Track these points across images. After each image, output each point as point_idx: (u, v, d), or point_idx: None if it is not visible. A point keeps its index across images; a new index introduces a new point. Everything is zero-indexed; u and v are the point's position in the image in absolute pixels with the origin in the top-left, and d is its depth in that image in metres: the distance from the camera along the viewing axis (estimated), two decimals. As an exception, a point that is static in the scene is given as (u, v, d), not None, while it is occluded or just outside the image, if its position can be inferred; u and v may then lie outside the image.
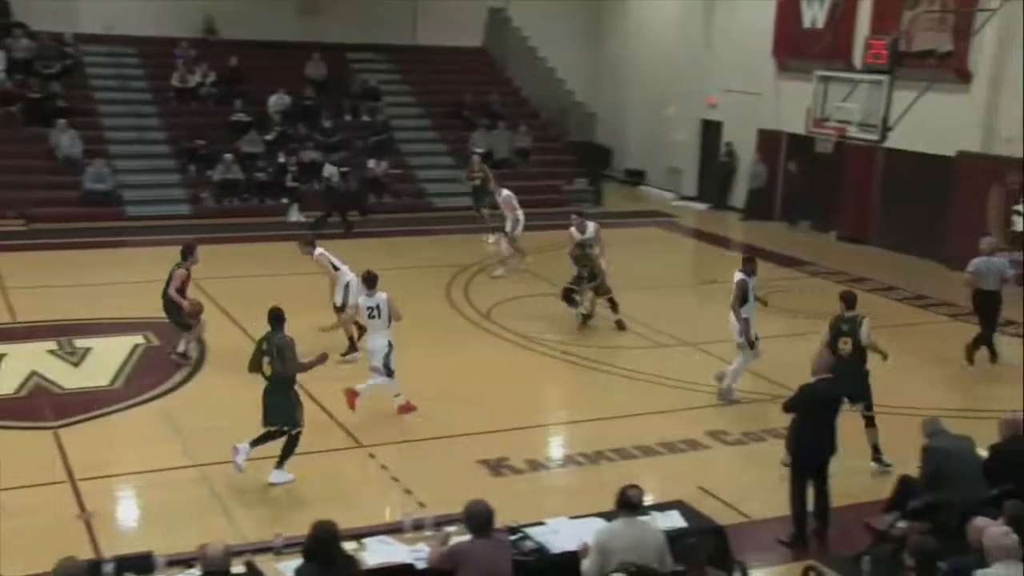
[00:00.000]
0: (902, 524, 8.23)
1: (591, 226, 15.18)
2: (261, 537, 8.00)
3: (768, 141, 24.19)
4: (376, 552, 7.27)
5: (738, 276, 12.37)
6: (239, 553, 7.03)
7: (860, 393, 10.67)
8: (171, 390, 12.40)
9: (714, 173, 26.02)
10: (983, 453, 8.74)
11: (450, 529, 7.28)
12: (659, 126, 27.23)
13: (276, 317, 10.04)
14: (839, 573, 8.17)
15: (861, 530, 8.61)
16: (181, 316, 13.19)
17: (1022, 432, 8.74)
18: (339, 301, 13.36)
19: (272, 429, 9.80)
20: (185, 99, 24.44)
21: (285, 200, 22.59)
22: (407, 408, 11.70)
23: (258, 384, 12.56)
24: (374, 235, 20.71)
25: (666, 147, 27.21)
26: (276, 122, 24.25)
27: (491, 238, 19.84)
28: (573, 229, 15.23)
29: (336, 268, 13.43)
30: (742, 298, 12.24)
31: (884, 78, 16.48)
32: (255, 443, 9.80)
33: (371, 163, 23.32)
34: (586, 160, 26.81)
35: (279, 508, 9.22)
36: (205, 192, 22.47)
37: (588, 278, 14.89)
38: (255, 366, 9.99)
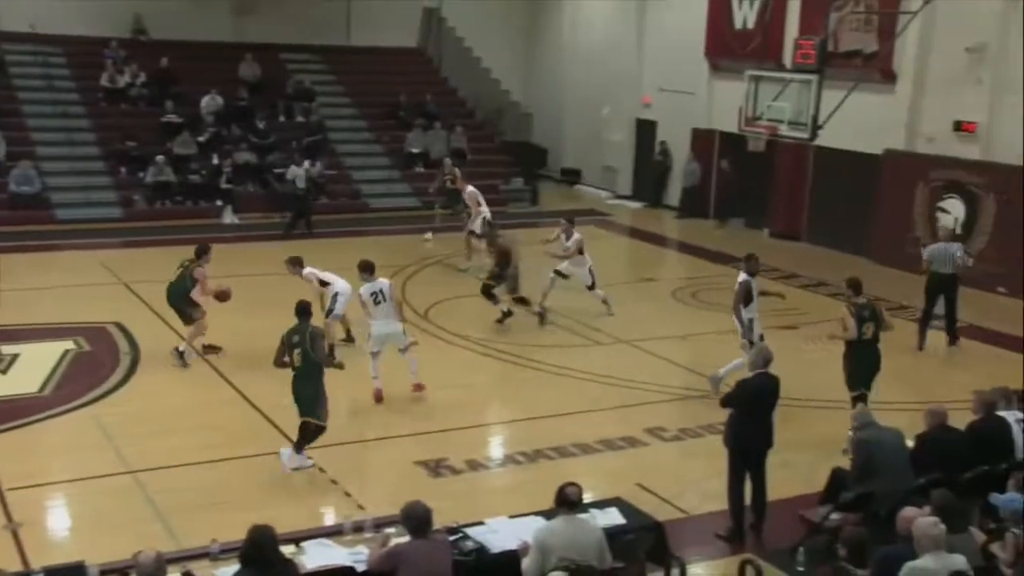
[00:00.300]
0: (835, 516, 8.38)
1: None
2: (197, 543, 7.88)
3: (702, 140, 24.47)
4: (315, 555, 7.21)
5: (741, 277, 12.50)
6: (174, 560, 6.92)
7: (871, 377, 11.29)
8: (103, 396, 12.18)
9: (649, 172, 26.26)
10: (911, 444, 8.94)
11: (389, 531, 7.26)
12: (594, 125, 27.40)
13: (303, 310, 10.33)
14: (775, 566, 8.28)
15: (796, 523, 8.75)
16: (190, 311, 13.34)
17: (946, 422, 8.97)
18: (329, 311, 13.24)
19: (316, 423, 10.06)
20: (115, 100, 24.03)
21: (219, 202, 22.33)
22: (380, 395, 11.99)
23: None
24: (310, 236, 20.55)
25: (601, 146, 27.39)
26: (209, 123, 23.95)
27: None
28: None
29: (325, 284, 13.37)
30: (745, 299, 12.33)
31: (813, 78, 16.71)
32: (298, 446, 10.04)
33: (306, 164, 23.14)
34: (522, 160, 26.89)
35: (216, 513, 9.09)
36: (137, 194, 22.11)
37: (500, 276, 15.07)
38: (280, 360, 10.20)
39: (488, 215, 18.51)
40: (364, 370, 13.23)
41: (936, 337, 15.46)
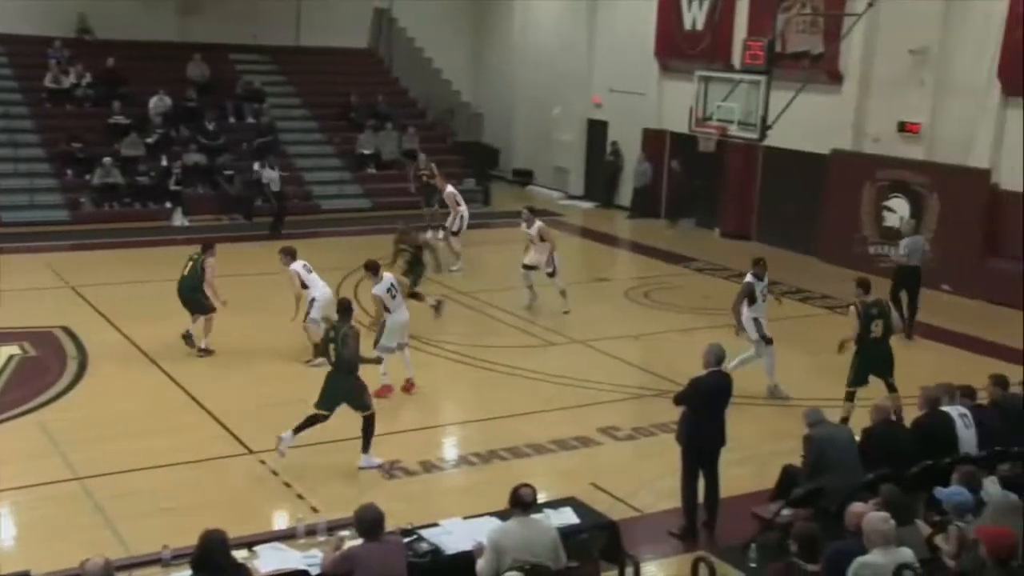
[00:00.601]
0: (787, 512, 8.48)
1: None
2: (147, 549, 7.79)
3: (652, 140, 24.63)
4: (269, 559, 7.15)
5: (747, 278, 12.82)
6: (124, 567, 6.84)
7: (889, 370, 11.65)
8: (49, 401, 11.98)
9: (600, 172, 26.38)
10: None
11: (343, 534, 7.22)
12: (545, 126, 27.47)
13: (346, 308, 10.62)
14: (728, 563, 8.35)
15: (748, 519, 8.83)
16: (203, 303, 13.56)
17: (892, 417, 9.12)
18: (306, 314, 13.40)
19: (323, 414, 10.23)
20: (59, 101, 23.64)
21: (169, 204, 22.07)
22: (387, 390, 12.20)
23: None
24: (261, 239, 20.39)
25: (552, 147, 27.47)
26: (157, 124, 23.66)
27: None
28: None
29: (305, 286, 13.48)
30: (747, 299, 12.61)
31: (762, 78, 16.90)
32: (299, 429, 10.19)
33: (257, 165, 22.97)
34: (474, 160, 26.88)
35: (167, 519, 8.98)
36: (84, 197, 21.79)
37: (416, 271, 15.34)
38: (323, 351, 10.68)
39: (466, 215, 18.78)
40: (313, 373, 13.17)
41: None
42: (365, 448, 10.31)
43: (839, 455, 8.68)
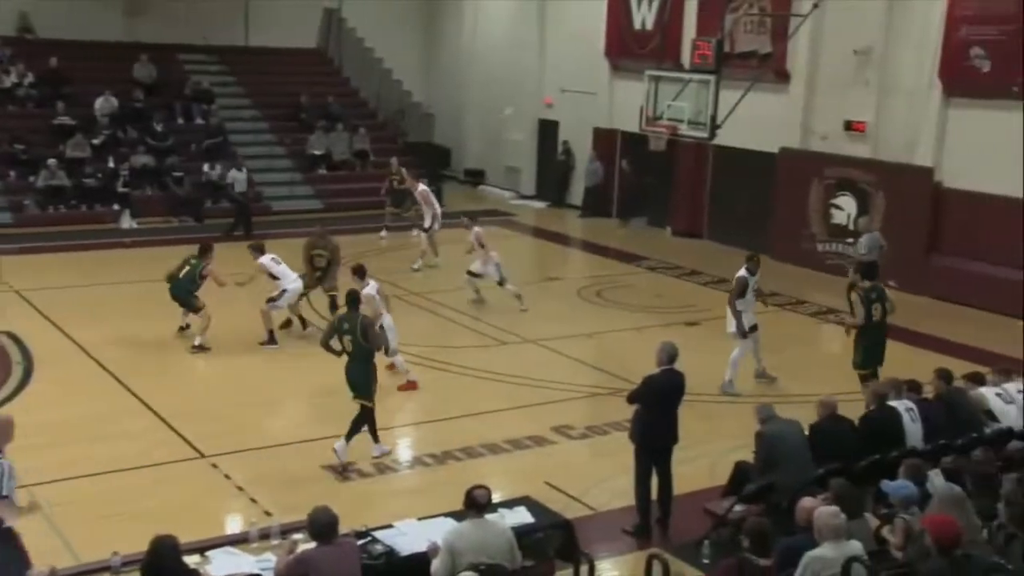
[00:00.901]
0: (739, 508, 8.57)
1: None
2: (97, 557, 7.69)
3: (604, 140, 24.75)
4: (221, 564, 7.09)
5: (740, 273, 13.13)
6: None
7: (882, 354, 12.27)
8: (-8, 408, 11.77)
9: (552, 172, 26.46)
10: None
11: (297, 537, 7.17)
12: (497, 126, 27.50)
13: (354, 299, 10.87)
14: (681, 560, 8.42)
15: (701, 516, 8.92)
16: (194, 302, 13.95)
17: (836, 412, 9.25)
18: (271, 299, 14.18)
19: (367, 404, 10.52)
20: (1, 101, 23.22)
21: (116, 206, 21.77)
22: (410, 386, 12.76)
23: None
24: (215, 240, 20.17)
25: (504, 146, 27.50)
26: (104, 125, 23.32)
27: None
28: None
29: (275, 278, 14.15)
30: (740, 293, 12.98)
31: (711, 78, 17.05)
32: (351, 433, 10.42)
33: (206, 167, 22.74)
34: (425, 160, 26.80)
35: (116, 525, 8.87)
36: (28, 199, 21.41)
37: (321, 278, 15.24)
38: (327, 343, 10.85)
39: (439, 212, 19.12)
40: (264, 375, 13.13)
41: (834, 330, 15.94)
42: (347, 434, 10.47)
43: (790, 451, 8.80)
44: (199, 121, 24.63)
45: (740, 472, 9.19)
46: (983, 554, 6.45)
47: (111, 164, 22.35)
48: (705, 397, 12.43)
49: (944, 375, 10.27)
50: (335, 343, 10.81)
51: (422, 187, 19.53)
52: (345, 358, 10.71)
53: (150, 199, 22.38)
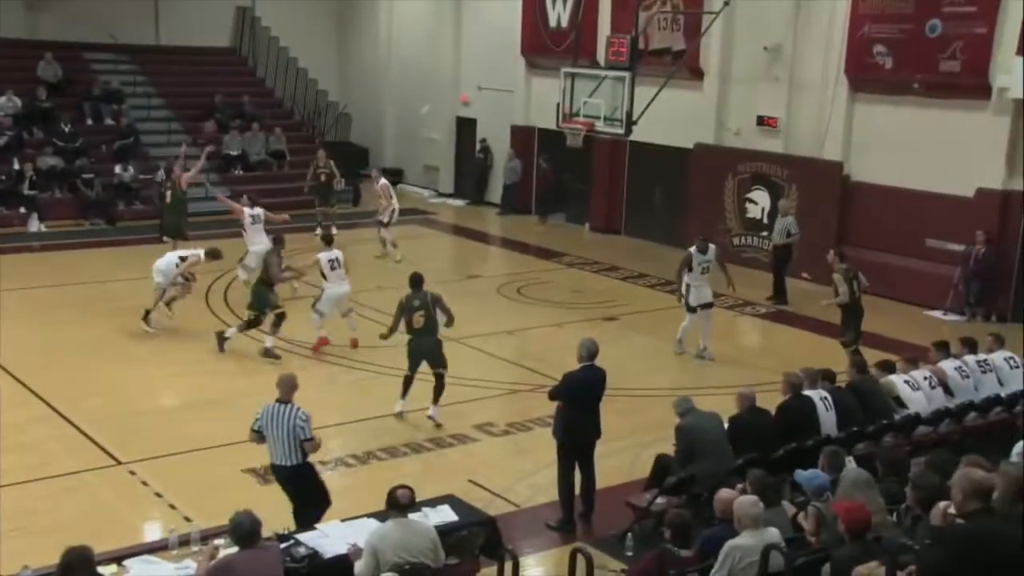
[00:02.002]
0: (661, 500, 8.69)
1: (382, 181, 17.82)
2: (8, 572, 7.49)
3: (521, 137, 24.84)
4: (140, 573, 6.97)
5: (690, 248, 14.38)
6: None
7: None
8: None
9: (470, 170, 26.47)
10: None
11: (218, 542, 7.08)
12: (414, 124, 27.43)
13: (418, 280, 11.95)
14: (605, 553, 8.51)
15: (623, 509, 9.02)
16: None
17: (755, 404, 9.44)
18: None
19: (441, 372, 11.66)
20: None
21: (23, 209, 21.19)
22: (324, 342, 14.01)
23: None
24: (125, 243, 19.80)
25: (422, 145, 27.45)
26: (7, 126, 22.65)
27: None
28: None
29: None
30: (685, 266, 14.24)
31: (626, 75, 17.23)
32: (436, 398, 11.59)
33: (118, 168, 22.24)
34: (342, 160, 26.56)
35: (28, 539, 8.63)
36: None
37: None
38: (395, 327, 11.86)
39: (397, 207, 19.51)
40: (184, 378, 12.93)
41: (750, 323, 16.25)
42: (436, 400, 11.63)
43: (709, 442, 8.95)
44: (109, 122, 24.08)
45: (661, 465, 9.30)
46: (891, 536, 6.64)
47: (15, 166, 21.75)
48: (625, 392, 12.57)
49: (858, 364, 10.56)
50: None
51: (384, 181, 20.01)
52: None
53: (59, 202, 21.83)
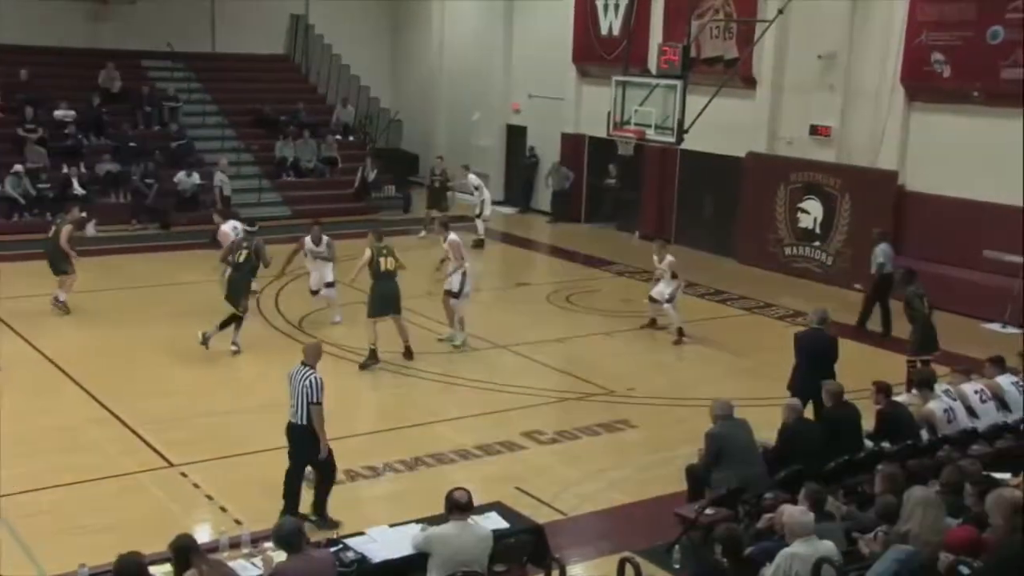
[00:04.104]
0: (709, 511, 8.61)
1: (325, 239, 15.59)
2: (63, 570, 7.61)
3: (571, 145, 24.82)
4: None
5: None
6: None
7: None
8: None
9: (520, 177, 26.51)
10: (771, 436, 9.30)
11: (267, 545, 7.14)
12: (464, 131, 27.50)
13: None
14: (653, 563, 8.45)
15: (674, 519, 8.93)
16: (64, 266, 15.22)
17: (803, 415, 9.35)
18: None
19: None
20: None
21: (83, 214, 21.48)
22: None
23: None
24: (182, 247, 20.06)
25: (472, 152, 27.48)
26: (70, 133, 23.05)
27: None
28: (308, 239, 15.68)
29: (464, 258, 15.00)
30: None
31: (677, 83, 17.16)
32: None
33: (180, 175, 22.55)
34: (393, 167, 26.77)
35: (84, 537, 8.77)
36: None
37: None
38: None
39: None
40: (233, 384, 13.06)
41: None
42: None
43: (738, 450, 8.90)
44: (164, 128, 24.45)
45: (693, 476, 9.23)
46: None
47: (81, 170, 22.16)
48: (679, 401, 12.53)
49: (883, 388, 10.20)
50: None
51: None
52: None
53: (111, 206, 22.16)
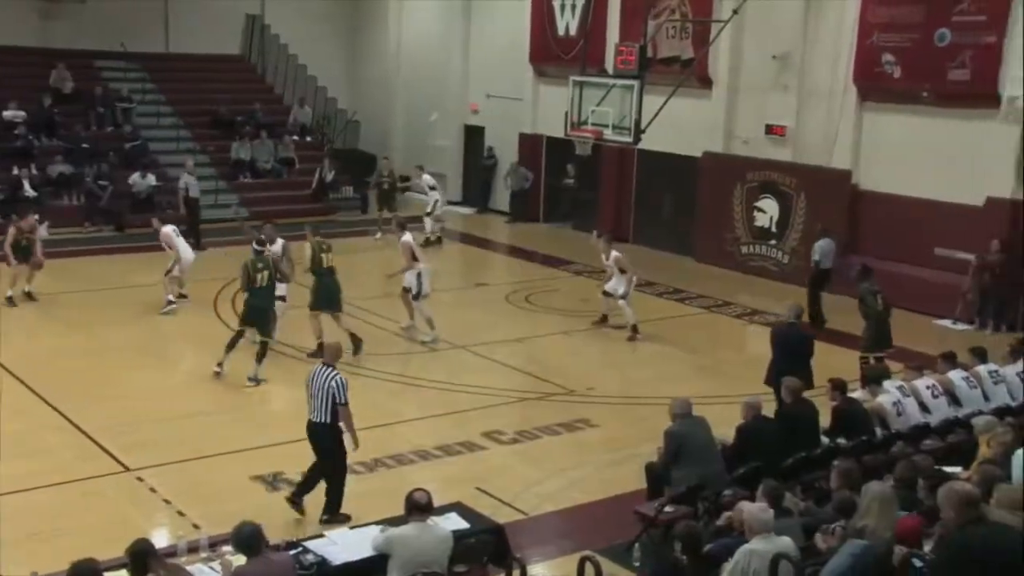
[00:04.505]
0: (669, 509, 8.67)
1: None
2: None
3: (529, 145, 24.87)
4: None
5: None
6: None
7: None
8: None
9: (478, 177, 26.51)
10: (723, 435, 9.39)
11: (225, 549, 7.09)
12: (422, 132, 27.46)
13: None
14: (614, 561, 8.49)
15: (633, 518, 8.98)
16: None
17: (761, 412, 9.43)
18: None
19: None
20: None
21: (36, 216, 21.19)
22: None
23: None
24: (138, 250, 19.80)
25: (430, 152, 27.45)
26: (18, 134, 22.72)
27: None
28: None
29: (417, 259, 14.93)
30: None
31: (634, 83, 17.23)
32: None
33: (135, 176, 22.28)
34: (351, 168, 26.66)
35: (38, 544, 8.66)
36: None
37: None
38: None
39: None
40: (190, 386, 12.94)
41: (759, 331, 16.23)
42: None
43: (696, 448, 8.94)
44: (118, 128, 24.18)
45: (653, 474, 9.29)
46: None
47: (34, 171, 21.86)
48: (637, 400, 12.59)
49: (838, 385, 10.32)
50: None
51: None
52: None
53: (64, 208, 21.88)
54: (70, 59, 24.64)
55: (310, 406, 9.27)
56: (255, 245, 13.40)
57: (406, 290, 14.87)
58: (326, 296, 13.85)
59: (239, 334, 13.27)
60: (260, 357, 12.96)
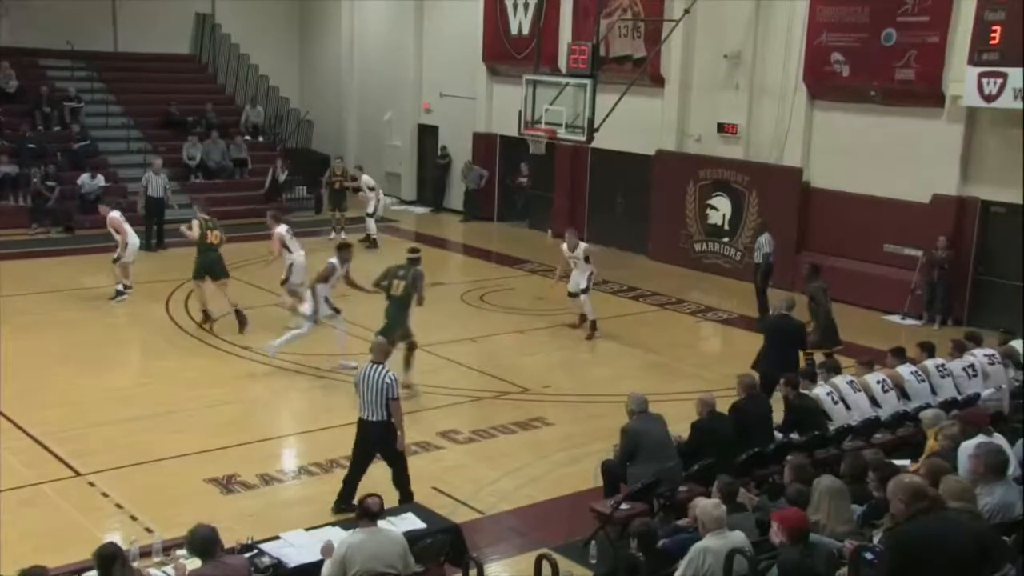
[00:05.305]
0: (625, 506, 8.72)
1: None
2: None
3: (483, 144, 24.87)
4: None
5: (331, 259, 13.72)
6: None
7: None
8: None
9: (432, 176, 26.47)
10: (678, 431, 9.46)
11: (180, 553, 7.02)
12: (376, 132, 27.36)
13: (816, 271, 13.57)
14: (570, 559, 8.52)
15: (589, 515, 9.01)
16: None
17: (716, 408, 9.51)
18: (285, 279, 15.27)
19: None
20: None
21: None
22: None
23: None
24: (87, 251, 19.53)
25: (384, 152, 27.39)
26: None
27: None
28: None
29: (289, 250, 15.24)
30: (323, 278, 13.65)
31: (587, 82, 17.30)
32: None
33: (83, 177, 21.93)
34: (304, 168, 26.49)
35: (-12, 551, 8.52)
36: None
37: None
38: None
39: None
40: (139, 388, 12.80)
41: (711, 328, 16.37)
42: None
43: (652, 445, 8.99)
44: (65, 129, 23.82)
45: (609, 472, 9.34)
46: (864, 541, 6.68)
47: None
48: (592, 398, 12.64)
49: (790, 380, 10.41)
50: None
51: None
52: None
53: (13, 210, 21.52)
54: (14, 57, 24.22)
55: (362, 406, 9.27)
56: (409, 254, 14.12)
57: (283, 282, 15.37)
58: (207, 266, 15.12)
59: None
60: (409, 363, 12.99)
